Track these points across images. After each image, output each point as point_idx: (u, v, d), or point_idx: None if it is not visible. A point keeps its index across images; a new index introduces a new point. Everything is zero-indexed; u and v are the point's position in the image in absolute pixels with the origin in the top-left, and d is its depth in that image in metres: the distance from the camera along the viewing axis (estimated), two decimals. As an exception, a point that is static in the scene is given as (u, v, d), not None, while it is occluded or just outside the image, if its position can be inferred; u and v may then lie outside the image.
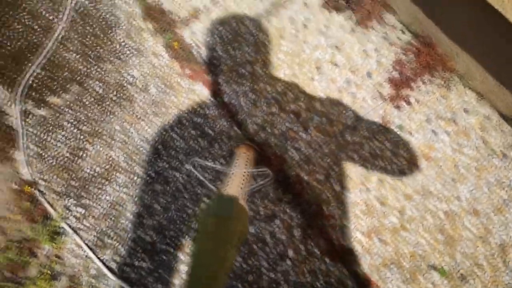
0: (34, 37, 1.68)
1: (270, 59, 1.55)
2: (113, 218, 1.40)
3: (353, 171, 1.39)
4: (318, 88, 1.50)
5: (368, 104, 1.47)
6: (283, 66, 1.54)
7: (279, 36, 1.59)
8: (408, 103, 1.45)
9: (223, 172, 1.37)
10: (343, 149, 1.42)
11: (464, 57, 1.41)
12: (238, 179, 1.16)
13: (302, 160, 1.42)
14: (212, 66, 1.56)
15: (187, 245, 1.37)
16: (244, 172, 1.20)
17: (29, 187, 1.42)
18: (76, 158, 1.48)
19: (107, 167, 1.47)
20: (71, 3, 1.72)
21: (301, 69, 1.53)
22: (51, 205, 1.42)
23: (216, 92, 1.53)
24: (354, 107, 1.46)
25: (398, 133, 1.42)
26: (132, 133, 1.50)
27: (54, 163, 1.49)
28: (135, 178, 1.45)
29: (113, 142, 1.50)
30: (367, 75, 1.50)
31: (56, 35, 1.66)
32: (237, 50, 1.58)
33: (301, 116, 1.47)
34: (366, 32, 1.56)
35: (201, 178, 1.31)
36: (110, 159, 1.47)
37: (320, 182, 1.39)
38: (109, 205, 1.42)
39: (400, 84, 1.47)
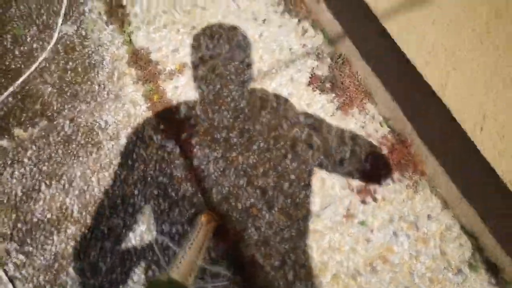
0: (13, 62, 1.63)
1: (247, 128, 1.54)
2: (54, 272, 1.33)
3: (309, 262, 1.37)
4: (289, 167, 1.49)
5: (336, 192, 1.46)
6: (259, 139, 1.53)
7: (260, 106, 1.58)
8: (374, 199, 1.45)
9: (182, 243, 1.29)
10: (303, 236, 1.39)
11: (434, 163, 1.42)
12: (190, 263, 1.11)
13: (260, 241, 1.39)
14: (188, 125, 1.54)
15: (126, 313, 1.30)
16: (198, 256, 1.15)
17: (-29, 225, 1.34)
18: (29, 199, 1.42)
19: (59, 214, 1.40)
20: (58, 34, 1.68)
21: (276, 144, 1.52)
22: (-9, 247, 1.34)
23: (187, 153, 1.50)
24: (321, 193, 1.45)
25: (360, 228, 1.41)
26: (92, 182, 1.45)
27: (5, 200, 1.42)
28: (86, 231, 1.38)
29: (70, 188, 1.44)
30: (340, 162, 1.50)
31: (36, 64, 1.62)
32: (216, 113, 1.57)
33: (267, 193, 1.45)
34: (346, 118, 1.57)
35: (160, 256, 1.23)
36: (64, 206, 1.41)
37: (274, 268, 1.35)
38: (53, 256, 1.35)
39: (370, 178, 1.47)
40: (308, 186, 1.46)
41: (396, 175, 1.48)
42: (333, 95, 1.61)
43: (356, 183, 1.46)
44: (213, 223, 1.33)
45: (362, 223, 1.41)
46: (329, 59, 1.67)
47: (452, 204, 1.41)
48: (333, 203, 1.43)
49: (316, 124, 1.55)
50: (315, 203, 1.43)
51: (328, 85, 1.62)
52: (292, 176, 1.48)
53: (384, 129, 1.55)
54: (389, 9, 1.20)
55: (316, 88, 1.61)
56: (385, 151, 1.52)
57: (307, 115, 1.57)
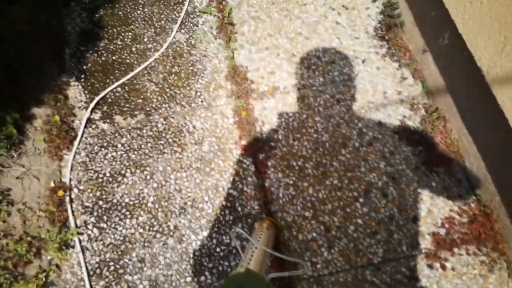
0: (128, 57, 1.82)
1: (324, 162, 1.54)
2: (119, 253, 1.44)
3: (359, 313, 1.32)
4: (359, 211, 1.46)
5: (402, 250, 1.39)
6: (334, 175, 1.52)
7: (342, 143, 1.58)
8: (443, 267, 1.36)
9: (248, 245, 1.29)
10: (358, 285, 1.35)
11: (521, 247, 1.30)
12: (262, 257, 1.14)
13: (313, 277, 1.37)
14: (268, 147, 1.59)
15: (172, 310, 1.36)
16: (267, 251, 1.17)
17: (62, 192, 1.50)
18: (114, 181, 1.56)
19: (136, 201, 1.52)
20: (172, 39, 1.84)
21: (350, 185, 1.50)
22: (74, 216, 1.49)
23: (261, 173, 1.55)
24: (386, 247, 1.40)
25: (421, 294, 1.33)
26: (170, 179, 1.55)
27: (94, 177, 1.57)
28: (155, 223, 1.48)
29: (151, 180, 1.55)
30: (413, 219, 1.44)
31: (147, 63, 1.79)
32: (297, 141, 1.60)
33: (331, 232, 1.44)
34: (429, 175, 1.51)
35: (238, 247, 1.21)
36: (142, 195, 1.53)
37: (322, 309, 1.33)
38: (121, 238, 1.46)
39: (443, 244, 1.39)
40: (373, 235, 1.42)
41: (472, 247, 1.38)
42: (420, 148, 1.55)
43: (427, 245, 1.39)
44: (274, 230, 1.33)
45: (425, 289, 1.33)
46: (423, 111, 1.62)
47: (533, 296, 1.27)
48: (396, 260, 1.37)
49: (395, 174, 1.51)
50: (378, 255, 1.39)
51: (416, 137, 1.57)
52: (360, 221, 1.44)
53: (469, 196, 1.46)
54: (502, 78, 1.14)
55: (404, 137, 1.57)
56: (465, 219, 1.43)
57: (388, 163, 1.53)
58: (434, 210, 1.45)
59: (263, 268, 1.10)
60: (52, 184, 1.54)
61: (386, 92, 1.67)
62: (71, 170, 1.58)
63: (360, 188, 1.50)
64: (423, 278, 1.35)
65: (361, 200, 1.48)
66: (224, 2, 1.93)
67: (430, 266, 1.36)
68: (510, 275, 1.33)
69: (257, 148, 1.58)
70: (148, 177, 1.56)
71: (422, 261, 1.37)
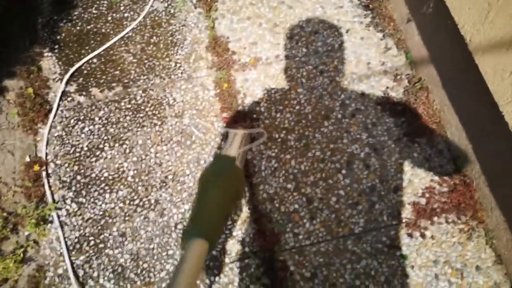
0: (104, 26, 1.74)
1: (307, 134, 1.53)
2: (99, 227, 1.42)
3: (340, 281, 1.33)
4: (340, 182, 1.46)
5: (383, 219, 1.41)
6: (316, 147, 1.51)
7: (324, 115, 1.56)
8: (423, 235, 1.38)
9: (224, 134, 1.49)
10: (339, 255, 1.36)
11: (498, 215, 1.32)
12: (237, 142, 1.30)
13: (295, 248, 1.38)
14: (250, 119, 1.56)
15: (155, 283, 1.35)
16: (243, 134, 1.36)
17: (39, 167, 1.46)
18: (92, 155, 1.52)
19: (115, 176, 1.49)
20: (149, 8, 1.77)
21: (332, 157, 1.50)
22: (51, 191, 1.45)
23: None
24: (367, 217, 1.41)
25: (400, 262, 1.35)
26: (150, 152, 1.52)
27: (71, 151, 1.53)
28: (135, 197, 1.45)
29: (130, 154, 1.52)
30: (394, 189, 1.45)
31: (124, 32, 1.72)
32: (279, 113, 1.57)
33: (313, 203, 1.43)
34: (411, 146, 1.51)
35: (194, 130, 1.46)
36: (121, 169, 1.49)
37: (304, 279, 1.34)
38: (101, 213, 1.43)
39: (423, 213, 1.41)
40: (355, 205, 1.42)
41: (452, 216, 1.39)
42: (403, 119, 1.54)
43: (407, 215, 1.40)
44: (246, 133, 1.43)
45: (404, 257, 1.35)
46: (406, 82, 1.61)
47: (508, 261, 1.30)
48: (377, 230, 1.38)
49: (377, 146, 1.51)
50: (359, 225, 1.39)
51: (399, 108, 1.56)
52: (342, 192, 1.44)
53: (449, 166, 1.47)
54: (485, 46, 1.12)
55: (387, 109, 1.56)
56: (445, 189, 1.44)
57: (370, 134, 1.52)
58: (415, 180, 1.46)
59: (240, 153, 1.29)
60: (28, 159, 1.50)
61: (370, 62, 1.65)
62: (47, 144, 1.53)
63: (342, 160, 1.49)
64: (403, 246, 1.37)
65: (343, 171, 1.48)
66: (204, -31, 1.85)
67: (410, 235, 1.38)
68: (487, 242, 1.36)
69: (239, 121, 1.55)
70: (128, 151, 1.53)
71: (402, 230, 1.39)
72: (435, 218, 1.40)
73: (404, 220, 1.40)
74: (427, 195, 1.43)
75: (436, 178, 1.45)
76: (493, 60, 1.12)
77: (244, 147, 1.37)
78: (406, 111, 1.56)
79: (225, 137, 1.52)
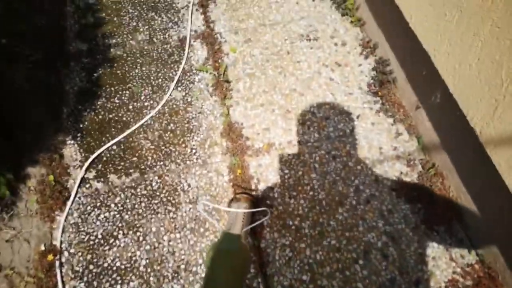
0: (125, 115, 1.83)
1: (321, 222, 1.51)
2: (108, 322, 1.37)
3: None
4: (359, 274, 1.40)
5: (405, 316, 1.32)
6: (331, 235, 1.48)
7: (338, 201, 1.55)
8: (450, 336, 1.28)
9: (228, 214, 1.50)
10: None
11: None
12: (239, 220, 1.33)
13: None
14: (264, 205, 1.56)
15: None
16: (245, 213, 1.38)
17: (53, 256, 1.46)
18: (106, 244, 1.51)
19: (127, 265, 1.47)
20: (168, 97, 1.87)
21: (348, 246, 1.46)
22: (63, 282, 1.44)
23: (256, 233, 1.51)
24: (388, 313, 1.33)
25: None
26: (164, 240, 1.51)
27: (85, 239, 1.53)
28: (146, 289, 1.42)
29: (143, 242, 1.51)
30: (415, 282, 1.38)
31: (143, 120, 1.80)
32: (293, 199, 1.57)
33: (329, 297, 1.37)
34: (430, 234, 1.47)
35: (207, 217, 1.50)
36: (133, 258, 1.48)
37: None
38: (111, 306, 1.40)
39: (448, 310, 1.32)
40: (375, 300, 1.35)
41: (479, 314, 1.30)
42: (419, 205, 1.52)
43: (431, 312, 1.32)
44: (250, 202, 1.46)
45: None
46: (420, 167, 1.60)
47: None
48: (400, 328, 1.30)
49: (395, 234, 1.47)
50: (380, 323, 1.31)
51: (415, 194, 1.54)
52: (360, 285, 1.39)
53: (472, 257, 1.41)
54: (497, 140, 1.13)
55: (402, 195, 1.54)
56: (469, 282, 1.36)
57: (386, 222, 1.49)
58: (436, 272, 1.39)
59: (243, 229, 1.33)
60: (43, 248, 1.50)
61: (382, 147, 1.67)
62: (63, 232, 1.55)
63: (359, 249, 1.45)
64: None
65: (360, 262, 1.43)
66: (220, 60, 1.97)
67: (436, 335, 1.29)
68: None
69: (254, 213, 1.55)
70: (141, 238, 1.52)
71: (427, 330, 1.30)
72: (462, 316, 1.31)
73: (428, 318, 1.31)
74: (450, 288, 1.36)
75: (459, 270, 1.39)
76: (506, 154, 1.12)
77: (247, 226, 1.38)
78: (422, 197, 1.53)
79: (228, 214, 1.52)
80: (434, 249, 1.43)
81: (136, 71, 1.97)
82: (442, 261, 1.41)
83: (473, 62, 1.19)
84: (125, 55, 2.03)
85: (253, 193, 1.58)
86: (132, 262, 1.48)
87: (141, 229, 1.54)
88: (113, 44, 2.07)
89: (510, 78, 1.06)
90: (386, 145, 1.67)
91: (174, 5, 2.24)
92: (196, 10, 2.19)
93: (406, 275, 1.39)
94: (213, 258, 1.00)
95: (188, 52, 2.02)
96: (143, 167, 1.69)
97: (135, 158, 1.72)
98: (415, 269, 1.40)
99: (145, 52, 2.04)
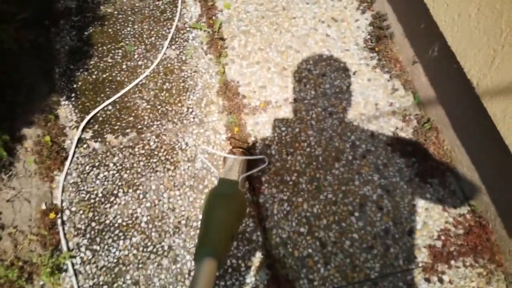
0: (119, 74, 1.81)
1: (318, 177, 1.53)
2: (112, 276, 1.42)
3: (358, 331, 1.30)
4: (354, 225, 1.45)
5: (399, 264, 1.38)
6: (328, 189, 1.52)
7: (335, 156, 1.57)
8: (440, 280, 1.35)
9: (225, 159, 1.53)
10: (355, 302, 1.34)
11: (517, 258, 1.29)
12: (235, 167, 1.37)
13: (310, 295, 1.35)
14: (261, 161, 1.57)
15: (168, 333, 1.33)
16: (241, 163, 1.41)
17: (54, 214, 1.48)
18: (106, 202, 1.54)
19: (129, 222, 1.50)
20: (162, 56, 1.84)
21: (344, 199, 1.49)
22: (66, 239, 1.47)
23: (255, 189, 1.53)
24: (383, 262, 1.39)
25: (419, 308, 1.32)
26: (163, 197, 1.54)
27: (86, 198, 1.55)
28: (148, 243, 1.46)
29: (143, 199, 1.54)
30: (408, 232, 1.43)
31: (138, 80, 1.78)
32: (290, 155, 1.59)
33: (326, 247, 1.42)
34: (423, 186, 1.50)
35: (207, 163, 1.54)
36: (135, 215, 1.51)
37: (319, 327, 1.31)
38: (115, 260, 1.44)
39: (439, 256, 1.38)
40: (370, 249, 1.41)
41: (469, 259, 1.37)
42: (414, 159, 1.55)
43: (423, 258, 1.38)
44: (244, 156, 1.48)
45: (423, 303, 1.32)
46: (415, 122, 1.62)
47: (531, 308, 1.26)
48: (394, 275, 1.36)
49: (389, 187, 1.50)
50: (375, 270, 1.37)
51: (409, 148, 1.57)
52: (355, 236, 1.43)
53: (464, 207, 1.46)
54: (493, 91, 1.14)
55: (397, 149, 1.56)
56: (460, 231, 1.42)
57: (382, 176, 1.52)
58: (429, 222, 1.44)
59: (240, 176, 1.35)
60: (44, 207, 1.52)
61: (378, 103, 1.67)
62: (63, 191, 1.56)
63: (355, 202, 1.49)
64: (421, 292, 1.34)
65: (356, 214, 1.47)
66: (214, 17, 1.93)
67: (428, 280, 1.36)
68: (508, 286, 1.33)
69: (250, 164, 1.57)
70: (141, 196, 1.55)
71: (419, 275, 1.36)
72: (452, 262, 1.37)
73: (420, 264, 1.38)
74: (442, 237, 1.41)
75: (451, 220, 1.44)
76: (502, 104, 1.13)
77: (245, 173, 1.41)
78: (416, 152, 1.56)
79: (224, 161, 1.55)
80: (427, 201, 1.47)
81: (128, 29, 1.92)
82: (435, 211, 1.45)
83: (473, 12, 1.18)
84: (115, 12, 1.97)
85: (250, 150, 1.59)
86: (134, 218, 1.50)
87: (141, 187, 1.56)
88: (103, 1, 2.00)
89: (510, 27, 1.05)
90: (382, 100, 1.67)
91: (164, -41, 2.15)
92: (188, -36, 2.11)
93: (400, 225, 1.44)
94: (209, 201, 1.02)
95: (181, 9, 1.96)
96: (140, 126, 1.69)
97: (131, 118, 1.71)
98: (409, 219, 1.45)
99: (136, 9, 1.98)
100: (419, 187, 1.50)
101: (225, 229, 0.98)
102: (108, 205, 1.54)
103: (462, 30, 1.23)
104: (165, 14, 1.96)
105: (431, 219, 1.44)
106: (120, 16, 1.96)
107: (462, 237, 1.40)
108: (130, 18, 1.95)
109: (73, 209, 1.53)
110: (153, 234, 1.48)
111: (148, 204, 1.53)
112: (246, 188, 1.52)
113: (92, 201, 1.55)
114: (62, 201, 1.55)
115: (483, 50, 1.17)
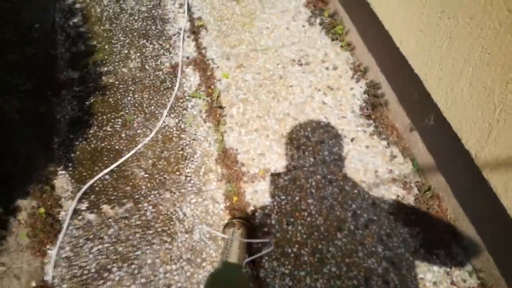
0: (117, 143, 1.81)
1: (320, 248, 1.48)
2: None
3: None
4: (360, 302, 1.37)
5: None
6: (331, 262, 1.46)
7: (337, 226, 1.53)
8: None
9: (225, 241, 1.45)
10: None
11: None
12: (236, 248, 1.33)
13: None
14: (261, 233, 1.53)
15: None
16: (241, 241, 1.36)
17: (44, 294, 1.40)
18: (99, 278, 1.47)
19: (122, 301, 1.42)
20: (161, 124, 1.85)
21: (348, 272, 1.43)
22: (54, 321, 1.38)
23: (255, 262, 1.47)
24: None
25: None
26: (159, 273, 1.47)
27: (78, 274, 1.48)
28: (142, 325, 1.37)
29: (138, 275, 1.47)
30: (417, 308, 1.35)
31: (136, 148, 1.78)
32: (291, 226, 1.55)
33: (332, 327, 1.34)
34: (430, 258, 1.45)
35: (208, 243, 1.49)
36: (128, 293, 1.43)
37: None
38: None
39: (452, 336, 1.29)
40: (378, 329, 1.32)
41: None
42: (418, 229, 1.51)
43: None
44: (245, 228, 1.44)
45: None
46: (416, 190, 1.60)
47: None
48: None
49: (395, 259, 1.45)
50: None
51: (413, 217, 1.54)
52: (362, 313, 1.35)
53: (473, 280, 1.39)
54: (492, 164, 1.14)
55: (400, 218, 1.53)
56: (472, 306, 1.35)
57: (386, 247, 1.48)
58: (439, 297, 1.37)
59: (241, 258, 1.30)
60: (34, 284, 1.45)
61: (378, 170, 1.67)
62: (54, 267, 1.49)
63: (359, 276, 1.43)
64: None
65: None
66: (212, 86, 1.98)
67: None
68: None
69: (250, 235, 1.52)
70: (136, 271, 1.48)
71: None
72: None
73: None
74: (454, 314, 1.34)
75: (461, 294, 1.37)
76: (503, 177, 1.13)
77: (247, 256, 1.38)
78: (420, 221, 1.53)
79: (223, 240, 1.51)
80: (434, 274, 1.41)
81: (129, 98, 1.96)
82: (444, 285, 1.39)
83: (465, 87, 1.21)
84: (117, 82, 2.02)
85: (250, 219, 1.55)
86: (127, 297, 1.42)
87: (136, 261, 1.50)
88: (105, 71, 2.06)
89: (503, 103, 1.07)
90: (381, 167, 1.67)
91: (165, 32, 2.26)
92: (188, 36, 2.21)
93: (409, 302, 1.37)
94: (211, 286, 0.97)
95: (180, 79, 2.02)
96: (137, 196, 1.66)
97: (128, 188, 1.69)
98: (417, 294, 1.38)
99: (137, 80, 2.03)
100: (425, 259, 1.44)
101: None
102: (102, 281, 1.47)
103: (456, 104, 1.26)
104: (165, 84, 2.01)
105: (440, 294, 1.38)
106: (121, 86, 2.01)
107: (474, 314, 1.33)
108: (130, 87, 2.00)
109: (65, 286, 1.46)
110: (147, 314, 1.39)
111: (143, 280, 1.46)
112: (248, 270, 1.46)
113: (85, 277, 1.48)
114: (53, 277, 1.48)
115: (478, 123, 1.18)
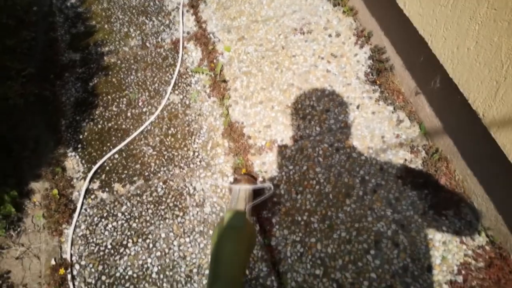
0: (124, 122, 1.82)
1: (330, 215, 1.51)
2: (125, 332, 1.37)
3: None
4: (371, 264, 1.41)
5: (421, 302, 1.33)
6: (341, 227, 1.48)
7: (345, 193, 1.55)
8: (467, 319, 1.29)
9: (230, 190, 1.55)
10: None
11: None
12: (241, 197, 1.38)
13: None
14: (271, 203, 1.55)
15: None
16: (247, 192, 1.42)
17: (64, 270, 1.45)
18: (116, 253, 1.51)
19: (139, 273, 1.46)
20: (166, 101, 1.86)
21: (358, 237, 1.46)
22: (76, 296, 1.43)
23: (266, 232, 1.50)
24: (404, 301, 1.33)
25: None
26: (174, 245, 1.51)
27: (95, 250, 1.53)
28: (161, 295, 1.42)
29: (153, 249, 1.51)
30: (428, 268, 1.38)
31: (143, 127, 1.79)
32: (300, 194, 1.57)
33: (344, 289, 1.37)
34: (438, 219, 1.47)
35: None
36: (145, 265, 1.48)
37: None
38: (127, 315, 1.39)
39: (462, 293, 1.33)
40: (389, 289, 1.36)
41: (494, 295, 1.31)
42: (426, 191, 1.52)
43: (446, 296, 1.33)
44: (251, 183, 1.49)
45: None
46: (424, 153, 1.60)
47: None
48: (416, 315, 1.31)
49: (404, 221, 1.47)
50: (397, 312, 1.32)
51: (421, 180, 1.54)
52: (373, 275, 1.39)
53: (482, 238, 1.41)
54: (500, 122, 1.13)
55: (408, 182, 1.54)
56: (481, 264, 1.37)
57: (395, 210, 1.49)
58: (448, 256, 1.40)
59: (247, 206, 1.36)
60: (53, 262, 1.50)
61: (384, 136, 1.66)
62: (72, 245, 1.54)
63: (369, 239, 1.46)
64: (447, 333, 1.27)
65: (372, 252, 1.43)
66: (215, 61, 1.96)
67: (453, 319, 1.30)
68: (537, 322, 1.26)
69: (260, 206, 1.55)
70: (151, 245, 1.52)
71: (443, 314, 1.30)
72: (477, 298, 1.32)
73: (443, 303, 1.32)
74: (463, 272, 1.36)
75: (470, 252, 1.39)
76: (511, 134, 1.12)
77: (251, 202, 1.42)
78: (428, 183, 1.54)
79: (230, 191, 1.57)
80: (444, 234, 1.43)
81: (132, 77, 1.96)
82: (453, 244, 1.41)
83: (471, 45, 1.19)
84: (119, 62, 2.01)
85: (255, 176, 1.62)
86: (144, 269, 1.47)
87: (150, 236, 1.54)
88: (106, 51, 2.05)
89: (510, 59, 1.05)
90: (388, 133, 1.67)
91: (164, 7, 2.22)
92: (187, 11, 2.17)
93: (418, 262, 1.39)
94: (219, 234, 1.02)
95: (182, 55, 2.01)
96: (147, 173, 1.68)
97: (138, 165, 1.71)
98: (427, 255, 1.40)
99: (139, 58, 2.02)
100: (434, 220, 1.46)
101: (238, 263, 0.97)
102: (118, 256, 1.51)
103: (462, 63, 1.24)
104: (167, 61, 2.00)
105: (449, 253, 1.40)
106: (123, 65, 2.00)
107: (483, 271, 1.35)
108: (133, 66, 1.99)
109: (83, 263, 1.51)
110: (164, 285, 1.44)
111: (158, 253, 1.50)
112: (253, 218, 1.52)
113: (102, 253, 1.52)
114: (71, 255, 1.53)
115: (486, 82, 1.17)
